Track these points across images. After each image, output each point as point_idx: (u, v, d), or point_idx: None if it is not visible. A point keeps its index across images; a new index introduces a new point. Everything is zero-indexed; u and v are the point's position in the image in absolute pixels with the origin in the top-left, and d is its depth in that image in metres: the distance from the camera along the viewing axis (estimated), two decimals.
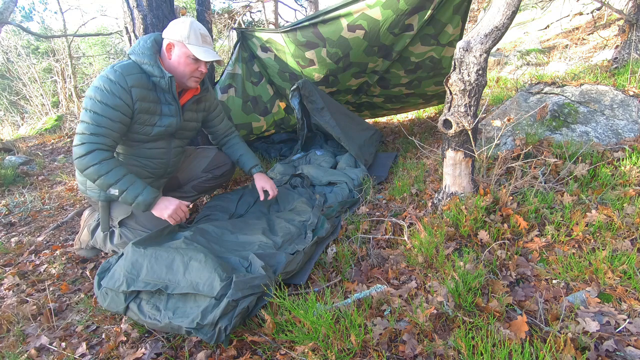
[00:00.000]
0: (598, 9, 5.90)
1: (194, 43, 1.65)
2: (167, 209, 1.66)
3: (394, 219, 1.86)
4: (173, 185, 2.17)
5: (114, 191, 1.58)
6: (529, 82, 2.92)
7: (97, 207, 1.87)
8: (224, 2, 14.25)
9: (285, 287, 1.34)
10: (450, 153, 1.68)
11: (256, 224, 1.82)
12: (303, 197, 2.17)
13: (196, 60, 1.67)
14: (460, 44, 1.49)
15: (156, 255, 1.39)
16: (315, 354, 1.11)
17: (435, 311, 1.18)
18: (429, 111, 4.27)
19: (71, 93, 9.57)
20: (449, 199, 1.74)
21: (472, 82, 1.49)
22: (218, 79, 2.90)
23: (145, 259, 1.38)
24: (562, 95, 2.41)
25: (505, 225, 1.56)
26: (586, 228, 1.51)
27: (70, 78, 9.68)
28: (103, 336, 1.39)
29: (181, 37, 1.63)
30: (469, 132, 1.59)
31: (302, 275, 1.54)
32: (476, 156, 1.66)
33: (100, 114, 1.53)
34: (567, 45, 5.64)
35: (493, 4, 1.47)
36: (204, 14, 2.96)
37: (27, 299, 1.66)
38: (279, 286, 1.34)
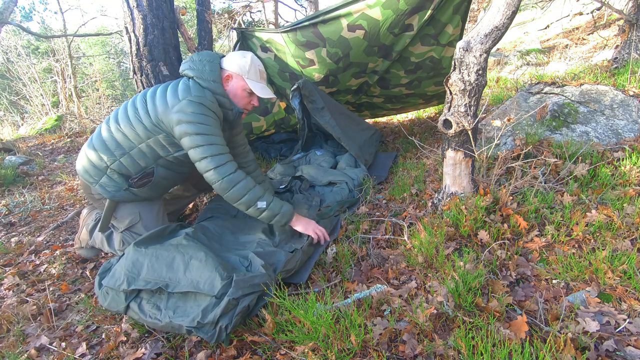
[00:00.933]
0: (598, 9, 5.90)
1: (253, 78, 1.71)
2: (310, 224, 1.71)
3: (394, 219, 1.86)
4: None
5: (262, 204, 1.59)
6: (529, 82, 2.92)
7: (98, 205, 1.82)
8: (224, 2, 14.26)
9: (285, 287, 1.34)
10: (450, 153, 1.68)
11: (256, 224, 1.82)
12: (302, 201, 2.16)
13: (251, 93, 1.73)
14: (460, 44, 1.49)
15: (157, 254, 1.39)
16: (315, 354, 1.11)
17: (435, 311, 1.18)
18: (429, 111, 4.27)
19: (71, 93, 9.57)
20: (449, 199, 1.74)
21: (472, 82, 1.49)
22: None
23: (145, 257, 1.38)
24: (562, 95, 2.41)
25: (505, 225, 1.56)
26: (586, 228, 1.51)
27: (70, 78, 9.69)
28: (103, 336, 1.39)
29: (241, 71, 1.68)
30: (469, 132, 1.59)
31: (302, 274, 1.55)
32: (476, 156, 1.66)
33: (218, 135, 1.58)
34: (567, 45, 5.64)
35: (493, 4, 1.47)
36: (204, 14, 2.96)
37: (27, 299, 1.66)
38: (279, 286, 1.35)
